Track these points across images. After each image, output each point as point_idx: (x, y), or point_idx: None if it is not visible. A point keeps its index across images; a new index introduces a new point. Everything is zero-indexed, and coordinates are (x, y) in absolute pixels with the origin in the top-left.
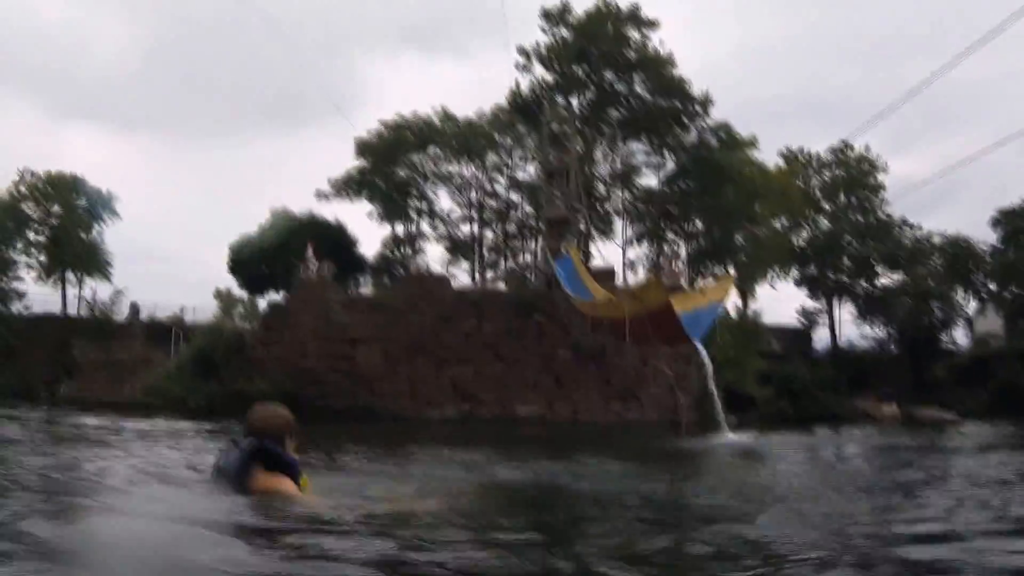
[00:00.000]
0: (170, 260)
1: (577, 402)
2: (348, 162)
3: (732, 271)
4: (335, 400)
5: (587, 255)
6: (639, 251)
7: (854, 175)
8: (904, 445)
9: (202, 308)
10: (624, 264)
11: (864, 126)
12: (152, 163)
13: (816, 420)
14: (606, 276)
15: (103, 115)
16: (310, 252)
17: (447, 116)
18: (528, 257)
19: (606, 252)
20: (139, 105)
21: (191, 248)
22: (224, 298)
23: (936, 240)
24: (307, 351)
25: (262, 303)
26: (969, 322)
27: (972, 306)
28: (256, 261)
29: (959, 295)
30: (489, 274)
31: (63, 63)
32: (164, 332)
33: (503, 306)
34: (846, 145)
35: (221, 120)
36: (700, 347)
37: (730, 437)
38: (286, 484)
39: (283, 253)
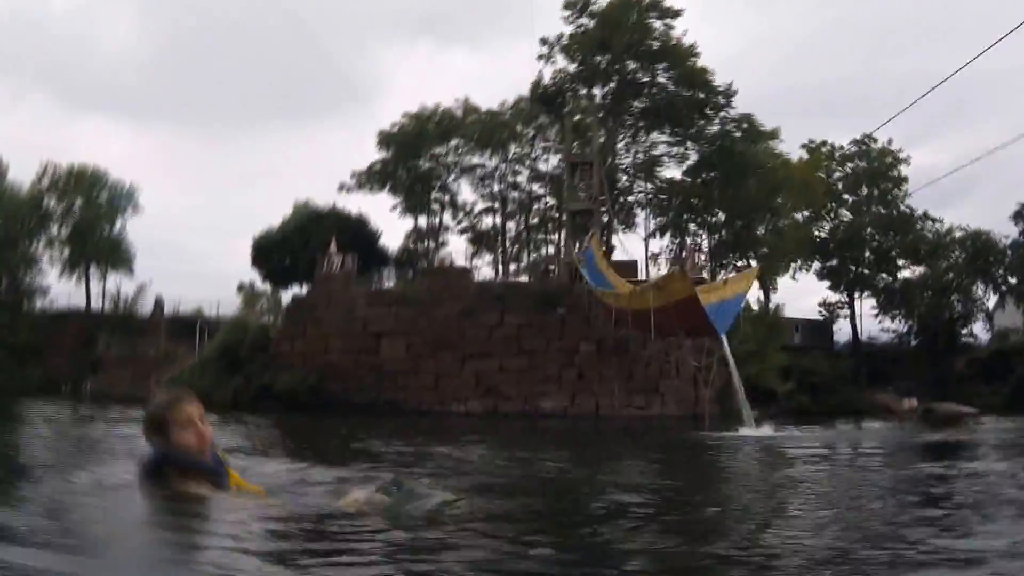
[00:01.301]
0: (192, 254)
1: (599, 396)
2: (370, 153)
3: (754, 263)
4: (359, 395)
5: (609, 247)
6: (661, 243)
7: (876, 168)
8: (924, 443)
9: (225, 302)
10: (646, 256)
11: (887, 120)
12: (172, 155)
13: (836, 414)
14: (628, 269)
15: (119, 106)
16: (333, 246)
17: (469, 107)
18: (551, 249)
19: (628, 244)
20: (156, 96)
21: (213, 241)
22: (247, 292)
23: (957, 234)
24: (330, 345)
25: (285, 297)
26: (989, 316)
27: (992, 300)
28: (279, 254)
29: (979, 289)
30: (512, 266)
31: (78, 54)
32: (188, 327)
33: (526, 299)
34: (868, 137)
35: (239, 111)
36: (724, 340)
37: (752, 431)
38: (203, 490)
39: (306, 246)
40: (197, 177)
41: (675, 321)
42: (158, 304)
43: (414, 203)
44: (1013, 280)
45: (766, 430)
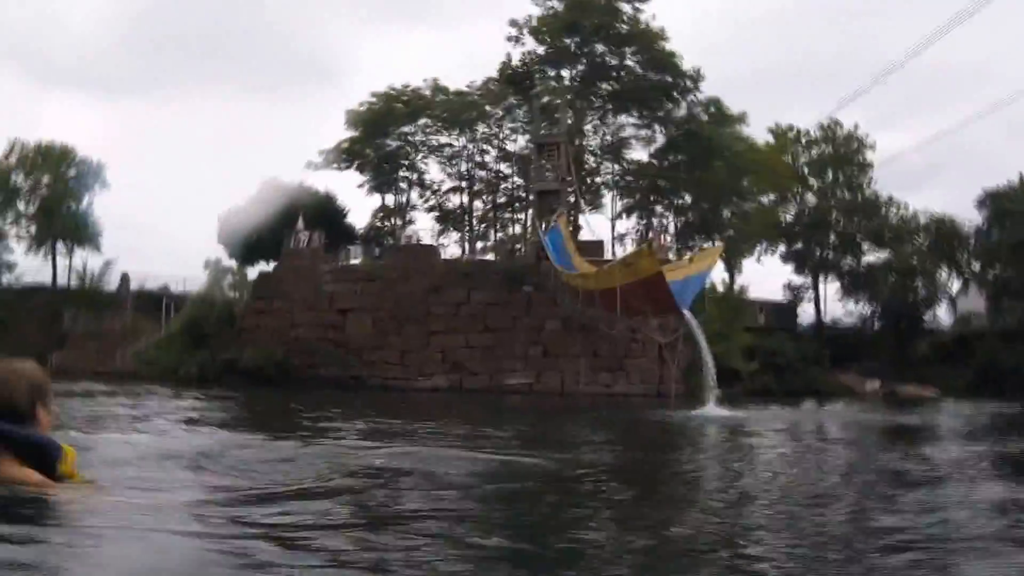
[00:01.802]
0: (159, 230)
1: (565, 373)
2: (338, 130)
3: (721, 244)
4: (325, 369)
5: (576, 227)
6: (628, 224)
7: (842, 152)
8: (884, 424)
9: (192, 279)
10: (613, 237)
11: (845, 100)
12: (139, 131)
13: (800, 395)
14: (594, 249)
15: (87, 83)
16: (300, 222)
17: (438, 87)
18: (518, 228)
19: (595, 225)
20: (124, 72)
21: (180, 218)
22: (214, 268)
23: (922, 219)
24: (297, 321)
25: (252, 273)
26: (952, 301)
27: (955, 285)
28: (246, 231)
29: (943, 274)
30: (479, 245)
31: (46, 30)
32: (154, 302)
33: (492, 277)
34: (834, 122)
35: (207, 87)
36: (689, 315)
37: (716, 410)
38: (28, 475)
39: (273, 223)
40: (164, 153)
41: (642, 299)
42: (124, 280)
43: (382, 181)
44: (977, 265)
45: (730, 409)
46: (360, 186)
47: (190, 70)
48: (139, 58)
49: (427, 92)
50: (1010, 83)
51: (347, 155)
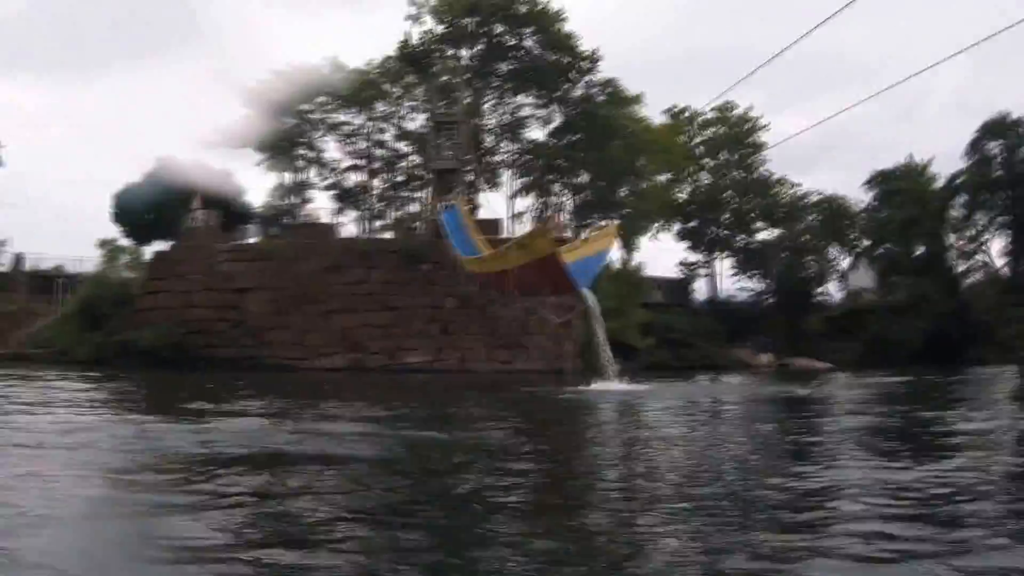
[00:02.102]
0: (54, 209)
1: (464, 351)
2: (236, 109)
3: (616, 223)
4: (222, 350)
5: (474, 206)
6: (525, 203)
7: (736, 133)
8: (773, 395)
9: (87, 259)
10: (510, 215)
11: (735, 84)
12: (33, 108)
13: (696, 369)
14: (492, 227)
15: None
16: (196, 201)
17: (338, 66)
18: (416, 207)
19: (493, 203)
20: (17, 47)
21: (75, 197)
22: (109, 247)
23: (813, 198)
24: (193, 300)
25: (148, 252)
26: (842, 277)
27: (845, 262)
28: (141, 210)
29: (833, 251)
30: (377, 223)
31: None
32: (48, 283)
33: (391, 255)
34: (728, 104)
35: (102, 64)
36: (588, 293)
37: (611, 385)
38: None
39: (169, 202)
40: (58, 132)
41: (538, 279)
42: (18, 260)
43: (279, 159)
44: (866, 242)
45: (624, 384)
46: (258, 164)
47: (86, 45)
48: (33, 33)
49: (326, 70)
50: (900, 67)
51: (244, 133)
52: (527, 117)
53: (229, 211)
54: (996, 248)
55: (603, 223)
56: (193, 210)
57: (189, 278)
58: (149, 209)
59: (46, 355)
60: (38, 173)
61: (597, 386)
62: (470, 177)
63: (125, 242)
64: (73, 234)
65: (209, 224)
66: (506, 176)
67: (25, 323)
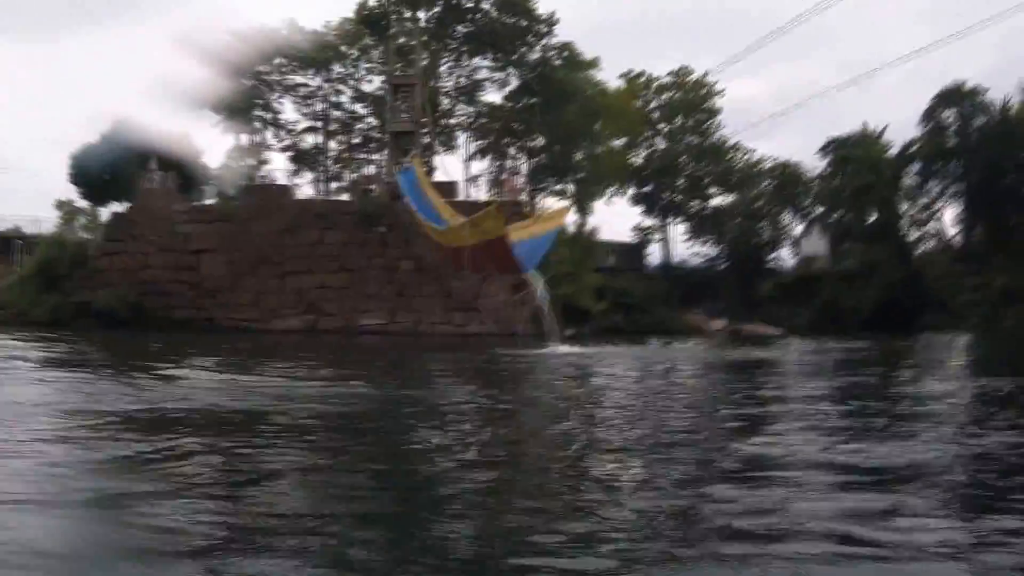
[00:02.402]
0: (9, 170)
1: (419, 313)
2: (194, 70)
3: (571, 188)
4: (179, 311)
5: (430, 168)
6: (481, 166)
7: (691, 99)
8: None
9: (44, 220)
10: (466, 179)
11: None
12: None
13: (649, 333)
14: (448, 190)
15: None
16: (153, 162)
17: (295, 28)
18: (372, 169)
19: (449, 166)
20: None
21: (31, 157)
22: (66, 209)
23: (767, 164)
24: (150, 262)
25: (105, 214)
26: (795, 243)
27: (798, 228)
28: (98, 171)
29: (786, 217)
30: (333, 185)
31: None
32: (5, 244)
33: (347, 217)
34: (684, 70)
35: (59, 16)
36: (535, 274)
37: (561, 348)
38: None
39: (126, 163)
40: (14, 92)
41: (488, 259)
42: None
43: (236, 121)
44: (819, 209)
45: (574, 347)
46: (215, 126)
47: (43, 7)
48: None
49: (283, 32)
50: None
51: (201, 95)
52: (484, 80)
53: (186, 173)
54: (949, 216)
55: (558, 187)
56: (150, 171)
57: (146, 239)
58: (106, 170)
59: (3, 317)
60: None
61: (549, 349)
62: (426, 140)
63: (82, 203)
64: (31, 195)
65: (166, 186)
66: (462, 139)
67: None
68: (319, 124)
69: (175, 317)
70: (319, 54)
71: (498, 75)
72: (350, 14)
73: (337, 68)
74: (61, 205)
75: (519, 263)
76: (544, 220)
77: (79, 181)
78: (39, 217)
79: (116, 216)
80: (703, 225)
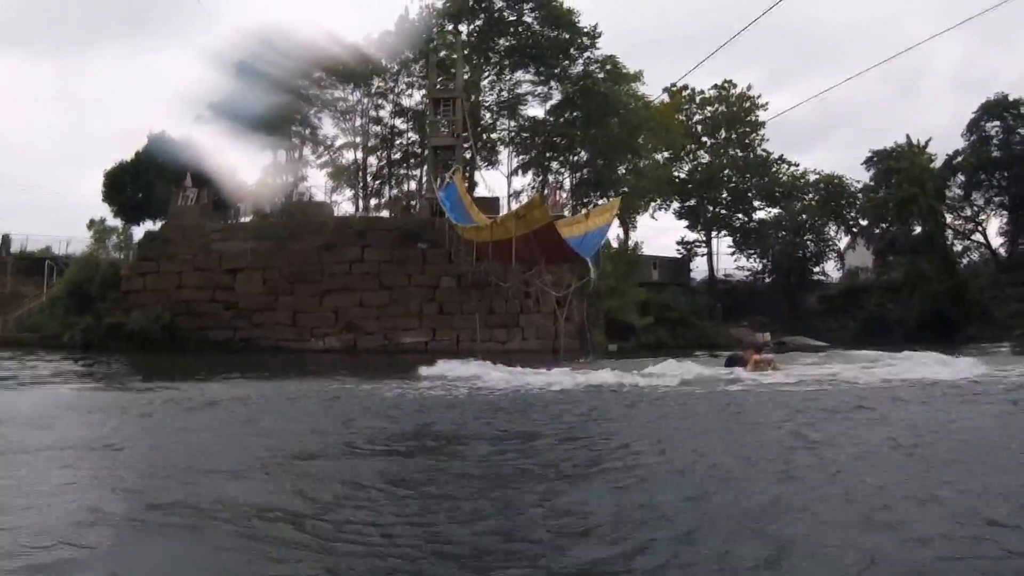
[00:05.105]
0: (41, 190)
1: (460, 330)
2: (231, 86)
3: (618, 198)
4: (214, 332)
5: (472, 184)
6: (524, 181)
7: (735, 112)
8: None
9: (76, 240)
10: (509, 194)
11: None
12: (22, 86)
13: (693, 347)
14: (490, 205)
15: None
16: (188, 179)
17: (335, 41)
18: (413, 185)
19: (491, 181)
20: (5, 22)
21: (63, 177)
22: (98, 228)
23: (811, 177)
24: (184, 282)
25: (138, 233)
26: (840, 256)
27: (843, 241)
28: (132, 188)
29: (831, 230)
30: (373, 202)
31: None
32: (36, 265)
33: (387, 234)
34: (728, 83)
35: (93, 39)
36: (591, 264)
37: (602, 363)
38: None
39: (160, 180)
40: (48, 109)
41: (536, 249)
42: (5, 241)
43: (274, 137)
44: (864, 222)
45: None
46: (252, 142)
47: (75, 19)
48: (22, 6)
49: (323, 46)
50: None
51: (237, 111)
52: (526, 94)
53: (221, 190)
54: (993, 228)
55: (601, 202)
56: (185, 188)
57: (180, 258)
58: (140, 188)
59: (35, 340)
60: (29, 154)
61: (590, 364)
62: (467, 154)
63: (115, 222)
64: (63, 215)
65: (201, 203)
66: (504, 154)
67: (13, 306)
68: (358, 140)
69: (210, 338)
70: (359, 68)
71: (540, 89)
72: (391, 27)
73: (377, 82)
74: (93, 224)
75: (574, 252)
76: (595, 215)
77: (112, 199)
78: (72, 237)
79: (149, 235)
80: (747, 239)
